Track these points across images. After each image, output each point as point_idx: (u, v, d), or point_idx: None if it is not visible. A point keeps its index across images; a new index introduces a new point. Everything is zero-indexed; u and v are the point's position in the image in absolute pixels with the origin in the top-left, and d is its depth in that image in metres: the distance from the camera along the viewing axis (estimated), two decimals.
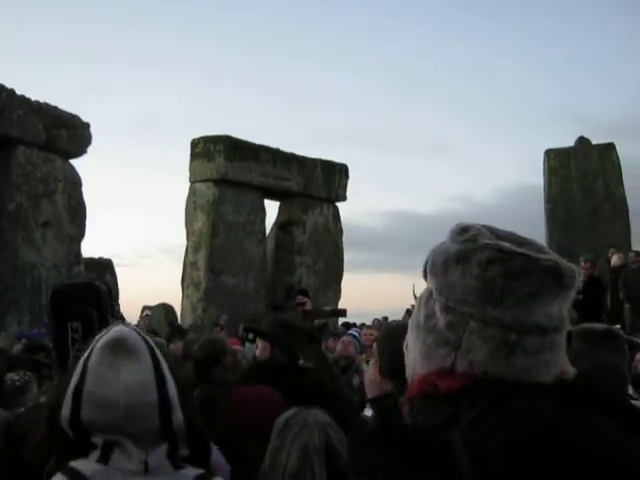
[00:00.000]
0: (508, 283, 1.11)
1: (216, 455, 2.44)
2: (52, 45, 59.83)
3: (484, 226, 1.20)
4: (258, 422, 2.93)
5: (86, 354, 1.50)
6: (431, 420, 1.10)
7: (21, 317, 13.76)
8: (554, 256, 1.15)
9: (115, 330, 1.52)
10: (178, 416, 1.49)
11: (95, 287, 1.84)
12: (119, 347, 1.47)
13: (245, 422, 2.86)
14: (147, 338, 1.54)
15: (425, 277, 1.22)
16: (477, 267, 1.13)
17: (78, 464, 1.45)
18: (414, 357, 1.22)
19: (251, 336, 4.78)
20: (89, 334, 1.76)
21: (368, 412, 2.92)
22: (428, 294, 1.21)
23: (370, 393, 2.93)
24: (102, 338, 1.50)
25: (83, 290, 1.83)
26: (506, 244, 1.14)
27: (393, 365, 2.08)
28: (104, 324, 1.79)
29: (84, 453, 1.47)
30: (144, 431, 1.46)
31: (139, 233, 53.07)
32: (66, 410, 1.47)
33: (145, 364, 1.48)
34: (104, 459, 1.44)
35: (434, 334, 1.17)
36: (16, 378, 4.52)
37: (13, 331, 12.21)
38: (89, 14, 59.80)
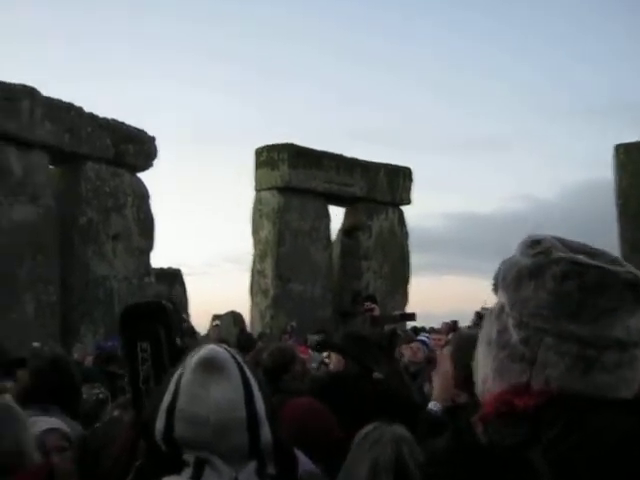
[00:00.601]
0: (585, 297, 1.08)
1: (306, 464, 2.46)
2: (115, 60, 61.23)
3: (555, 238, 1.16)
4: (315, 435, 2.92)
5: (179, 372, 1.54)
6: (507, 439, 1.07)
7: (96, 329, 14.10)
8: (631, 268, 1.12)
9: (206, 349, 1.56)
10: (266, 433, 1.52)
11: (163, 306, 1.86)
12: (209, 365, 1.52)
13: (303, 435, 2.85)
14: (236, 356, 1.58)
15: (495, 291, 1.19)
16: (552, 281, 1.10)
17: None
18: (485, 373, 1.19)
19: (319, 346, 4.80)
20: (158, 354, 1.81)
21: (433, 406, 2.90)
22: (500, 308, 1.18)
23: (440, 399, 2.90)
24: (194, 357, 1.55)
25: (151, 310, 1.86)
26: (581, 257, 1.11)
27: (467, 376, 2.04)
28: (172, 343, 1.82)
29: (175, 469, 1.49)
30: (233, 448, 1.49)
31: (206, 242, 53.82)
32: (160, 425, 1.50)
33: (234, 381, 1.52)
34: (196, 476, 1.47)
35: (507, 350, 1.14)
36: (97, 392, 4.60)
37: (87, 342, 12.51)
38: (147, 20, 61.00)
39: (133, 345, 1.82)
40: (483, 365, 1.20)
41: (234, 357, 1.57)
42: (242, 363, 1.56)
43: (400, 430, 2.38)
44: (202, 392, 1.49)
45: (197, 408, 1.48)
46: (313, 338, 10.60)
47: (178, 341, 1.83)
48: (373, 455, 2.32)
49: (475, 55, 66.53)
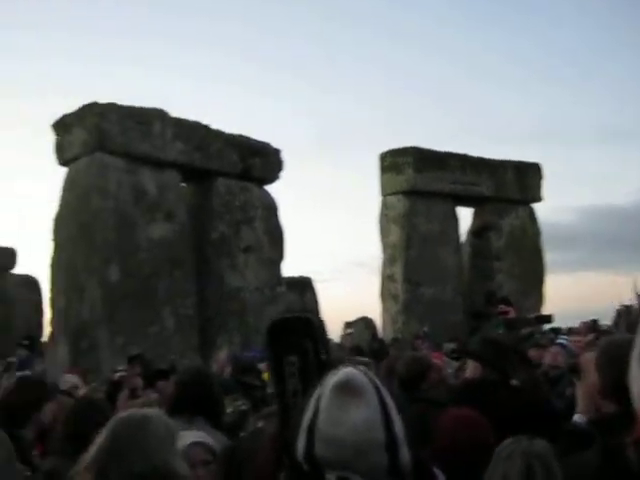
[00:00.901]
0: None
1: None
2: (236, 75, 62.82)
3: None
4: (463, 446, 2.88)
5: (318, 392, 1.59)
6: None
7: (231, 339, 14.46)
8: None
9: (343, 372, 1.61)
10: (405, 454, 1.55)
11: (311, 321, 1.91)
12: (347, 389, 1.56)
13: (452, 445, 2.82)
14: (374, 378, 1.62)
15: None
16: None
17: None
18: (638, 390, 1.13)
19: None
20: (305, 367, 1.84)
21: (578, 418, 2.80)
22: None
23: (583, 410, 2.79)
24: (332, 379, 1.59)
25: (300, 324, 1.90)
26: None
27: (615, 385, 1.95)
28: (319, 357, 1.85)
29: None
30: (373, 468, 1.52)
31: (335, 248, 54.10)
32: (301, 444, 1.56)
33: (372, 404, 1.55)
34: None
35: None
36: (239, 403, 4.72)
37: (223, 354, 12.83)
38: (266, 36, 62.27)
39: (280, 359, 1.86)
40: (635, 383, 1.14)
41: (371, 380, 1.60)
42: (379, 385, 1.60)
43: (538, 445, 2.31)
44: (340, 414, 1.53)
45: (335, 430, 1.52)
46: (449, 346, 10.49)
47: (324, 355, 1.86)
48: (504, 470, 2.29)
49: (605, 48, 63.88)
